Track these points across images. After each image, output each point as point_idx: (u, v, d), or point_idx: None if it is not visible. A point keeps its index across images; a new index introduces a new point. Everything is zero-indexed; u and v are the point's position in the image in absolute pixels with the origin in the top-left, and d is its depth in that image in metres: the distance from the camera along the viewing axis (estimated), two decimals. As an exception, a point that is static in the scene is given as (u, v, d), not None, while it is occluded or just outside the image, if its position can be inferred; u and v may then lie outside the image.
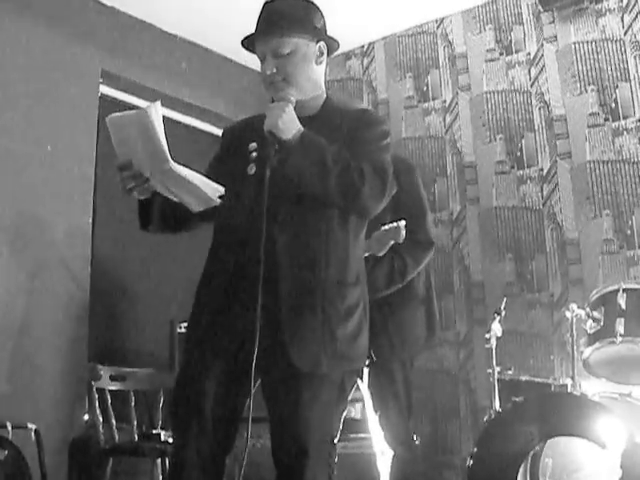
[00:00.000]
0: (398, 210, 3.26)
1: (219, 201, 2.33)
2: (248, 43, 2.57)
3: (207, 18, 5.29)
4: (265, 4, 2.57)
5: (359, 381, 3.48)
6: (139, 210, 2.51)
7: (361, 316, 2.49)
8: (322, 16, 2.62)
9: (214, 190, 2.32)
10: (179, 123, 5.73)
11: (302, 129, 2.35)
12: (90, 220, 4.89)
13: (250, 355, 2.24)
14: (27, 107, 4.68)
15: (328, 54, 2.64)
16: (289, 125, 2.34)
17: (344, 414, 3.48)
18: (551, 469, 3.52)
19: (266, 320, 2.28)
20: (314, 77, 2.58)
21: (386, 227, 3.22)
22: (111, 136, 2.27)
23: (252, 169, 2.45)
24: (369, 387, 3.49)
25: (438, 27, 5.74)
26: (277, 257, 2.36)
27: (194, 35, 5.62)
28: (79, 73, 5.01)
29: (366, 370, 3.46)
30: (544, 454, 3.53)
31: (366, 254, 3.24)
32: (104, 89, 5.29)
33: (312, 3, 2.62)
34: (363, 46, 6.13)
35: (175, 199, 2.38)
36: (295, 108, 2.41)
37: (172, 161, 2.21)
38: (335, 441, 2.45)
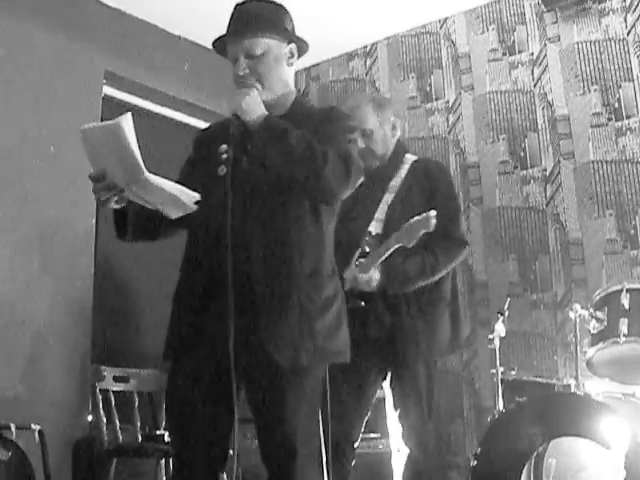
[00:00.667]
0: (432, 209, 3.26)
1: (195, 207, 2.35)
2: (220, 45, 2.61)
3: (210, 19, 5.28)
4: (237, 6, 2.61)
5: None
6: (114, 220, 2.55)
7: (339, 308, 2.53)
8: (291, 19, 2.68)
9: (189, 197, 2.34)
10: (182, 124, 5.73)
11: (267, 113, 2.40)
12: (94, 221, 4.89)
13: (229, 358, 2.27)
14: (30, 108, 4.69)
15: (298, 56, 2.68)
16: (253, 107, 2.40)
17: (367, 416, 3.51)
18: (555, 469, 3.52)
19: (243, 319, 2.30)
20: (284, 77, 2.62)
21: (415, 218, 3.22)
22: (84, 147, 2.29)
23: (223, 170, 2.48)
24: (391, 384, 3.49)
25: (441, 27, 5.73)
26: (250, 254, 2.38)
27: (197, 36, 5.62)
28: (82, 74, 5.01)
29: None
30: (548, 454, 3.53)
31: (396, 246, 3.27)
32: (107, 90, 5.29)
33: (282, 6, 2.68)
34: (366, 46, 6.12)
35: (151, 207, 2.40)
36: (266, 107, 2.45)
37: (146, 171, 2.23)
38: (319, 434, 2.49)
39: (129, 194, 2.34)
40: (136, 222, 2.53)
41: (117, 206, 2.41)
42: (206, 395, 2.44)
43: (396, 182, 3.57)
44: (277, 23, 2.59)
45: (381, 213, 3.53)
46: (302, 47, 2.68)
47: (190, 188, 2.36)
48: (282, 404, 2.37)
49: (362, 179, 2.61)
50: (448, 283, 3.55)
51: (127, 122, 2.17)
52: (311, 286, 2.43)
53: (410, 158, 3.66)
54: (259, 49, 2.52)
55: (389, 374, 3.48)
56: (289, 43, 2.62)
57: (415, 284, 3.39)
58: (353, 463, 3.50)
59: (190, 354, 2.45)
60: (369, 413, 3.59)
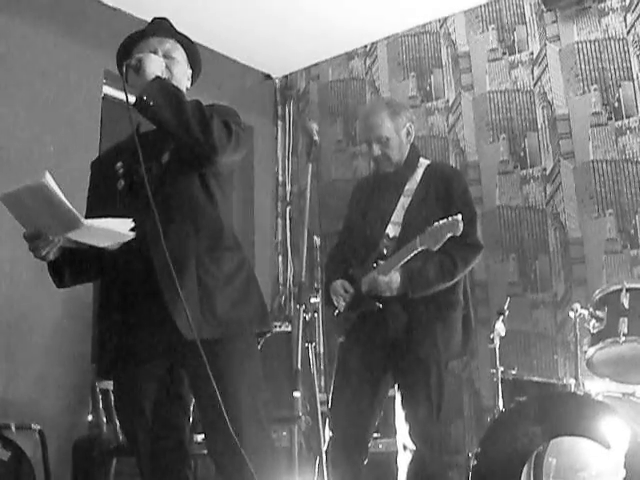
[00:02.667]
0: (450, 213, 3.31)
1: (132, 234, 2.41)
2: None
3: (209, 19, 5.29)
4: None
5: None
6: (51, 270, 2.67)
7: (246, 280, 2.63)
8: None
9: (124, 225, 2.40)
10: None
11: (158, 75, 2.53)
12: (93, 220, 4.89)
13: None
14: (30, 107, 4.69)
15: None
16: (154, 64, 2.55)
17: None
18: (555, 469, 3.52)
19: (157, 306, 2.43)
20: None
21: (442, 221, 3.26)
22: (10, 212, 2.33)
23: (121, 184, 2.62)
24: (401, 383, 3.52)
25: (441, 27, 5.74)
26: (153, 243, 2.46)
27: (196, 35, 5.60)
28: (82, 74, 5.01)
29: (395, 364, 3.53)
30: (548, 454, 3.53)
31: (421, 248, 3.30)
32: (107, 89, 5.29)
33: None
34: (366, 46, 6.13)
35: (87, 247, 2.47)
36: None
37: (82, 219, 2.27)
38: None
39: (66, 242, 2.41)
40: (72, 268, 2.67)
41: (53, 257, 2.49)
42: (152, 394, 2.58)
43: (411, 186, 3.62)
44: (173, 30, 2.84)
45: (398, 216, 3.57)
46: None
47: (99, 210, 2.48)
48: (209, 379, 2.42)
49: (243, 152, 2.72)
50: (461, 286, 3.59)
51: (49, 179, 2.19)
52: (210, 261, 2.54)
53: (424, 162, 3.72)
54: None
55: (401, 373, 3.49)
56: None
57: (434, 288, 3.44)
58: (365, 462, 3.52)
59: (127, 363, 2.58)
60: (382, 412, 3.62)
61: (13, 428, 3.91)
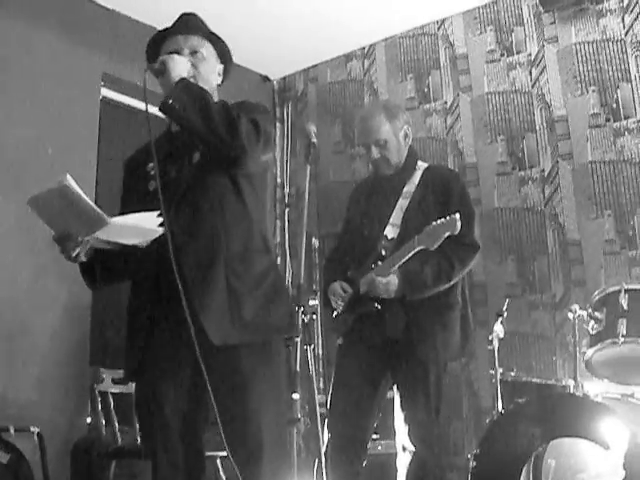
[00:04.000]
0: (448, 214, 3.33)
1: (162, 230, 2.38)
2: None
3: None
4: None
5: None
6: (83, 272, 2.65)
7: (274, 284, 2.59)
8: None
9: (152, 220, 2.37)
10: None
11: (184, 77, 2.49)
12: (92, 223, 4.89)
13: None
14: (28, 110, 4.69)
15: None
16: (179, 66, 2.51)
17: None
18: (554, 470, 3.52)
19: (182, 306, 2.33)
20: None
21: (439, 221, 3.27)
22: (38, 215, 2.34)
23: (152, 185, 2.56)
24: (400, 384, 3.52)
25: (439, 28, 5.74)
26: (183, 246, 2.44)
27: (195, 38, 5.62)
28: (80, 76, 5.01)
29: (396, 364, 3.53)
30: (547, 455, 3.53)
31: (419, 248, 3.30)
32: (105, 92, 5.30)
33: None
34: (364, 48, 6.13)
35: (118, 247, 2.46)
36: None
37: (107, 217, 2.26)
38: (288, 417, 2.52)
39: (96, 242, 2.40)
40: (103, 269, 2.64)
41: (85, 259, 2.47)
42: (175, 400, 2.52)
43: (410, 188, 3.62)
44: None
45: (396, 218, 3.58)
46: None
47: (132, 211, 2.43)
48: (232, 386, 2.41)
49: (272, 153, 2.70)
50: (459, 288, 3.59)
51: (70, 180, 2.20)
52: (239, 264, 2.50)
53: (422, 165, 3.73)
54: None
55: (400, 374, 3.50)
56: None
57: (431, 290, 3.45)
58: (364, 463, 3.52)
59: (152, 366, 2.53)
60: (380, 414, 3.62)
61: (12, 431, 3.91)
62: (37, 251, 4.59)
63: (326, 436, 3.49)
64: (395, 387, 3.55)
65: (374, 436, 4.09)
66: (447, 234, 3.27)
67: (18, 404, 4.27)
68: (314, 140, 2.84)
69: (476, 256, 3.58)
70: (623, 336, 3.56)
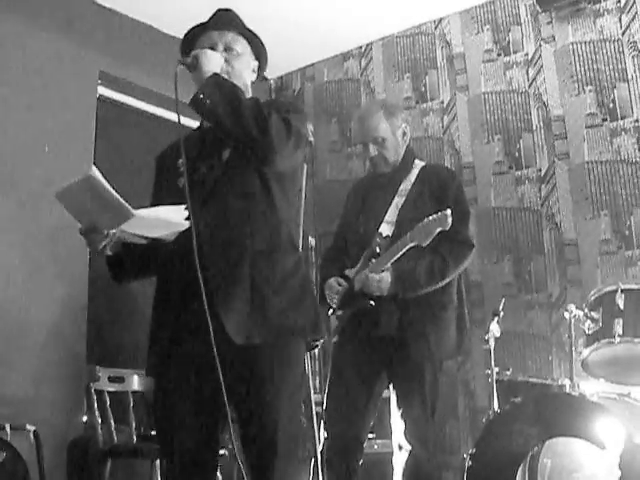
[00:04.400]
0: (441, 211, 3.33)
1: (188, 223, 2.36)
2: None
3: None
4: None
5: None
6: (109, 266, 2.62)
7: (301, 284, 2.55)
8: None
9: (178, 213, 2.36)
10: (176, 124, 5.70)
11: (216, 72, 2.48)
12: (88, 221, 4.88)
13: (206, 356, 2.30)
14: (25, 108, 4.68)
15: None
16: (212, 61, 2.50)
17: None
18: (550, 470, 3.52)
19: (209, 307, 2.30)
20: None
21: (431, 217, 3.28)
22: (65, 208, 2.33)
23: (181, 181, 2.52)
24: (396, 382, 3.52)
25: (436, 28, 5.74)
26: (208, 241, 2.42)
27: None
28: (77, 74, 5.00)
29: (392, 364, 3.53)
30: (543, 455, 3.53)
31: (411, 244, 3.31)
32: (102, 90, 5.29)
33: None
34: (361, 47, 6.13)
35: (146, 240, 2.44)
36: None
37: (132, 209, 2.25)
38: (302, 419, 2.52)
39: (123, 235, 2.38)
40: (128, 263, 2.62)
41: (111, 252, 2.45)
42: (194, 398, 2.47)
43: (406, 186, 3.63)
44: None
45: (392, 216, 3.59)
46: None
47: (159, 204, 2.43)
48: (256, 386, 2.39)
49: (305, 152, 2.69)
50: (454, 286, 3.59)
51: (95, 172, 2.20)
52: (264, 263, 2.47)
53: (419, 164, 3.74)
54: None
55: (396, 373, 3.50)
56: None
57: (425, 288, 3.45)
58: (360, 462, 3.52)
59: (173, 362, 2.49)
60: (376, 413, 3.62)
61: (8, 429, 3.90)
62: (34, 249, 4.59)
63: (323, 435, 3.49)
64: (391, 386, 3.55)
65: (370, 435, 4.09)
66: (439, 230, 3.27)
67: (14, 402, 4.26)
68: (311, 139, 2.85)
69: (470, 254, 3.58)
70: (619, 336, 3.57)
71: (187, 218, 2.35)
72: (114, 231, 2.35)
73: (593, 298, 3.81)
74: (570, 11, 5.08)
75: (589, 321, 3.71)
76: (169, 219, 2.36)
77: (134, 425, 4.36)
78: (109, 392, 4.32)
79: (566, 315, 3.75)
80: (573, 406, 3.38)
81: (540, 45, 5.21)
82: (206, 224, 2.42)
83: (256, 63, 2.76)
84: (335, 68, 6.24)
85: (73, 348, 4.67)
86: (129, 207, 2.24)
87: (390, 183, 3.68)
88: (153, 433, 4.33)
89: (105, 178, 2.21)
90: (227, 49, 2.65)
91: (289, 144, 2.47)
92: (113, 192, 2.21)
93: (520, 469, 3.46)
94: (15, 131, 4.61)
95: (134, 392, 4.48)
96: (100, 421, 4.21)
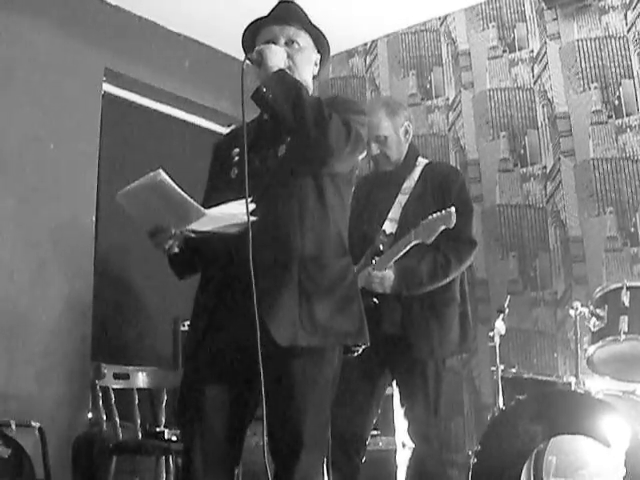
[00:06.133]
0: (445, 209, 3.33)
1: (253, 218, 2.34)
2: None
3: (210, 16, 5.29)
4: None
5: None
6: (172, 263, 2.59)
7: (348, 290, 2.52)
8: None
9: (239, 208, 2.34)
10: (182, 121, 5.72)
11: (281, 67, 2.47)
12: (93, 218, 4.89)
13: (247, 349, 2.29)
14: (30, 105, 4.69)
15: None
16: (277, 56, 2.48)
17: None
18: (555, 467, 3.52)
19: (251, 306, 2.27)
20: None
21: (435, 214, 3.28)
22: (127, 210, 2.29)
23: (234, 172, 2.53)
24: (399, 380, 3.53)
25: (441, 25, 5.73)
26: (257, 241, 2.36)
27: (197, 33, 5.61)
28: (82, 71, 5.00)
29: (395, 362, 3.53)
30: (548, 452, 3.53)
31: (415, 242, 3.30)
32: (107, 87, 5.29)
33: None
34: (366, 44, 6.12)
35: (209, 235, 2.41)
36: None
37: (203, 209, 2.24)
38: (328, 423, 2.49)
39: (189, 233, 2.36)
40: (188, 259, 2.57)
41: (177, 250, 2.41)
42: (224, 389, 2.45)
43: (409, 184, 3.64)
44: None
45: (395, 213, 3.60)
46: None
47: (214, 197, 2.42)
48: (288, 387, 2.37)
49: (364, 153, 2.66)
50: (457, 284, 3.59)
51: (163, 175, 2.15)
52: (313, 266, 2.43)
53: (422, 161, 3.74)
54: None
55: (399, 370, 3.50)
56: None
57: (428, 286, 3.45)
58: (363, 460, 3.52)
59: (208, 350, 2.46)
60: (380, 410, 3.62)
61: (13, 426, 3.91)
62: (39, 246, 4.59)
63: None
64: (394, 383, 3.55)
65: (374, 432, 4.09)
66: (442, 227, 3.27)
67: (19, 399, 4.27)
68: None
69: (473, 252, 3.58)
70: (625, 333, 3.56)
71: (252, 212, 2.33)
72: (182, 230, 2.33)
73: (598, 295, 3.80)
74: (575, 8, 5.07)
75: (594, 318, 3.70)
76: (235, 214, 2.34)
77: (139, 422, 4.36)
78: (114, 389, 4.31)
79: (571, 312, 3.75)
80: (578, 403, 3.37)
81: (545, 42, 5.20)
82: (256, 221, 2.37)
83: (318, 56, 2.73)
84: (340, 65, 6.23)
85: (78, 345, 4.67)
86: (199, 206, 2.23)
87: (393, 181, 3.68)
88: (158, 430, 4.34)
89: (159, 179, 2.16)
90: (289, 43, 2.62)
91: (347, 147, 2.43)
92: (183, 193, 2.19)
93: (525, 466, 3.45)
94: (20, 128, 4.62)
95: (139, 389, 4.47)
96: (105, 418, 4.21)
